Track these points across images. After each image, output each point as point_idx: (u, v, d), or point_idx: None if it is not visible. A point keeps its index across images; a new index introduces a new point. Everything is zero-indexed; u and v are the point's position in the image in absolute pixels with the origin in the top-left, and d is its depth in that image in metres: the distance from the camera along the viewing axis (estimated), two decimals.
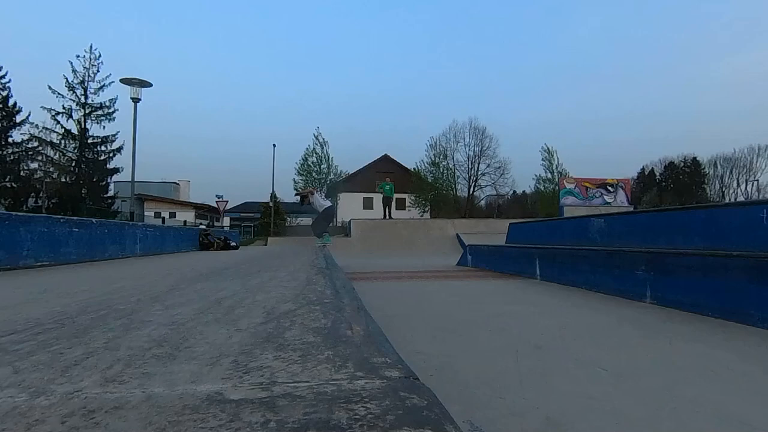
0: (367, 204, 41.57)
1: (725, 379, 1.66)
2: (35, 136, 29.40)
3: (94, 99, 30.86)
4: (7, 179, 28.09)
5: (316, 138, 38.73)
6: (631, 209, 24.23)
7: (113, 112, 31.19)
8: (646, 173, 54.90)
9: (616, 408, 1.36)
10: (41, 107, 29.46)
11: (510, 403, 1.40)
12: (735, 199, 45.58)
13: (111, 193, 32.79)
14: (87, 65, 30.57)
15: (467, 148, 44.44)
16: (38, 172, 29.82)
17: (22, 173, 29.08)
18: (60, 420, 0.74)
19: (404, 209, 41.29)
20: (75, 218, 6.15)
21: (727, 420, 1.28)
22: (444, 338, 2.32)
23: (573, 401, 1.42)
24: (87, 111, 30.65)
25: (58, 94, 29.85)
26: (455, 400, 1.36)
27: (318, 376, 0.93)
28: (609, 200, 27.96)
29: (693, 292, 2.89)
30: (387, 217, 19.21)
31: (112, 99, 31.04)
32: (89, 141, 30.87)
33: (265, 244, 22.52)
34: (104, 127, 31.31)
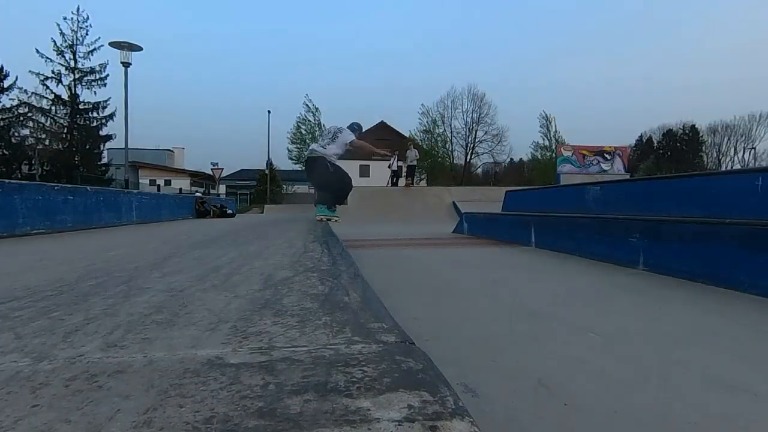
0: (364, 171, 41.35)
1: (713, 343, 1.71)
2: (25, 102, 28.79)
3: (84, 63, 30.12)
4: None
5: (307, 105, 38.14)
6: (628, 177, 24.24)
7: (104, 77, 30.48)
8: (644, 141, 54.59)
9: (606, 371, 1.40)
10: (29, 71, 28.75)
11: (503, 366, 1.44)
12: (732, 167, 45.57)
13: (105, 160, 32.41)
14: (75, 28, 29.69)
15: (465, 115, 43.97)
16: (30, 138, 29.36)
17: (13, 140, 28.62)
18: (64, 383, 0.76)
19: (401, 177, 41.06)
20: (69, 186, 6.12)
21: (713, 382, 1.32)
22: (439, 304, 2.36)
23: (564, 364, 1.46)
24: (77, 76, 29.94)
25: (47, 58, 29.10)
26: (450, 363, 1.40)
27: (316, 341, 0.95)
28: (606, 168, 27.94)
29: (685, 259, 2.93)
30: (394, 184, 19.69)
31: (102, 64, 30.30)
32: (80, 107, 30.27)
33: (262, 212, 22.53)
34: (95, 93, 30.67)
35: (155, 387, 0.73)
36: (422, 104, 47.79)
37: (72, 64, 29.77)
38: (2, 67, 28.46)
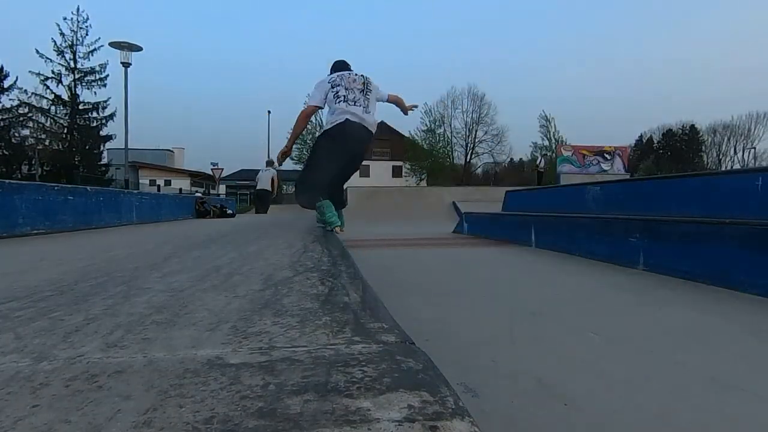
0: (363, 171, 41.30)
1: (713, 343, 1.71)
2: (25, 102, 28.81)
3: (84, 63, 30.18)
4: None
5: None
6: (628, 177, 24.23)
7: (104, 77, 30.50)
8: (644, 141, 54.57)
9: (606, 371, 1.40)
10: (29, 72, 28.77)
11: (503, 366, 1.44)
12: (732, 167, 45.56)
13: (105, 160, 32.44)
14: (75, 28, 29.72)
15: (465, 115, 44.05)
16: (30, 138, 29.38)
17: (13, 140, 28.64)
18: (64, 384, 0.76)
19: (400, 177, 41.12)
20: (69, 186, 6.12)
21: (712, 381, 1.32)
22: (439, 304, 2.36)
23: (564, 365, 1.46)
24: (77, 76, 29.97)
25: (47, 58, 29.15)
26: (450, 363, 1.40)
27: (316, 341, 0.95)
28: (606, 168, 27.94)
29: (685, 259, 2.93)
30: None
31: (102, 64, 30.35)
32: (80, 107, 30.30)
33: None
34: (95, 93, 30.70)
35: (155, 387, 0.73)
36: (425, 103, 47.80)
37: (72, 64, 29.79)
38: (2, 68, 28.48)
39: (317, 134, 4.77)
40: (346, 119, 3.97)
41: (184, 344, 0.95)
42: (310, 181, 4.33)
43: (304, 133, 37.78)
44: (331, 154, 4.08)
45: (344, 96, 3.99)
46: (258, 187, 14.71)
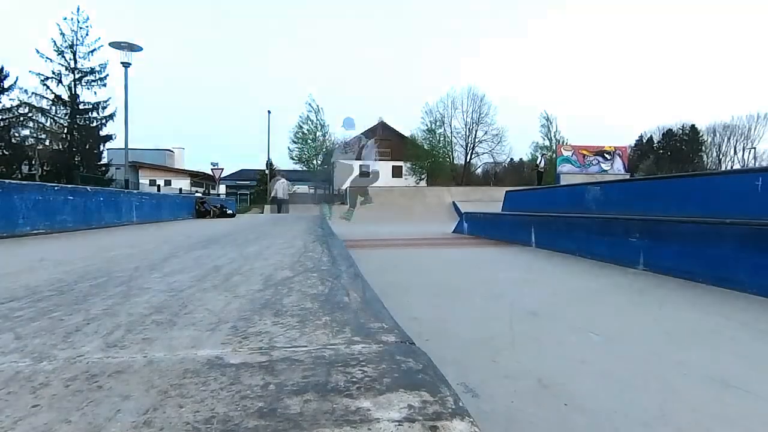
0: (364, 172, 41.15)
1: (713, 343, 1.71)
2: (25, 102, 28.78)
3: (84, 63, 30.09)
4: None
5: (310, 104, 38.23)
6: (628, 177, 24.21)
7: (104, 77, 30.45)
8: (644, 141, 54.53)
9: (606, 371, 1.40)
10: (29, 71, 28.71)
11: (503, 366, 1.44)
12: (732, 167, 45.54)
13: (104, 160, 32.39)
14: (75, 28, 29.66)
15: (465, 115, 43.97)
16: (30, 138, 29.35)
17: (13, 140, 28.62)
18: (64, 384, 0.76)
19: (400, 177, 41.09)
20: (69, 186, 6.12)
21: (712, 381, 1.32)
22: (439, 304, 2.36)
23: (565, 364, 1.46)
24: (77, 76, 29.92)
25: (47, 58, 29.06)
26: (450, 363, 1.40)
27: (316, 341, 0.95)
28: (606, 168, 27.89)
29: (685, 259, 2.93)
30: None
31: (102, 64, 30.26)
32: (80, 107, 30.25)
33: (262, 212, 22.54)
34: (95, 93, 30.63)
35: (155, 387, 0.73)
36: (427, 102, 47.77)
37: (72, 64, 29.74)
38: (2, 68, 28.44)
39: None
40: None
41: (184, 344, 0.95)
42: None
43: (306, 131, 37.96)
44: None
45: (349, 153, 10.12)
46: (272, 195, 19.49)
